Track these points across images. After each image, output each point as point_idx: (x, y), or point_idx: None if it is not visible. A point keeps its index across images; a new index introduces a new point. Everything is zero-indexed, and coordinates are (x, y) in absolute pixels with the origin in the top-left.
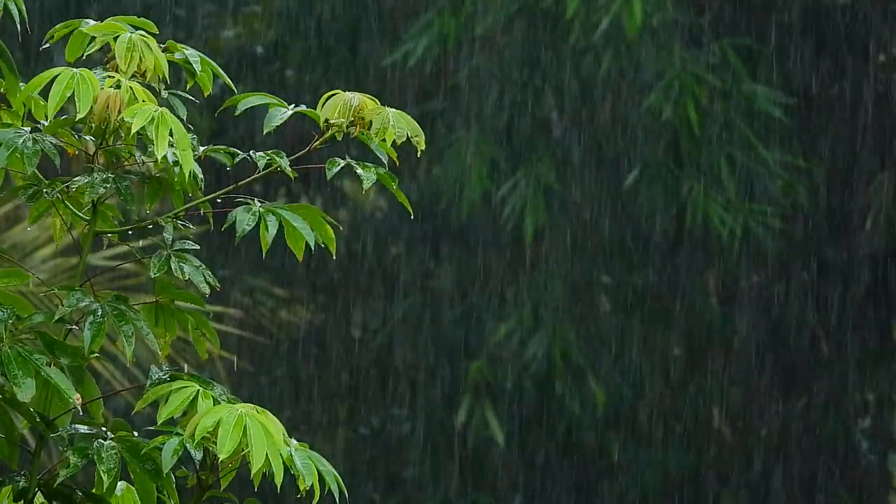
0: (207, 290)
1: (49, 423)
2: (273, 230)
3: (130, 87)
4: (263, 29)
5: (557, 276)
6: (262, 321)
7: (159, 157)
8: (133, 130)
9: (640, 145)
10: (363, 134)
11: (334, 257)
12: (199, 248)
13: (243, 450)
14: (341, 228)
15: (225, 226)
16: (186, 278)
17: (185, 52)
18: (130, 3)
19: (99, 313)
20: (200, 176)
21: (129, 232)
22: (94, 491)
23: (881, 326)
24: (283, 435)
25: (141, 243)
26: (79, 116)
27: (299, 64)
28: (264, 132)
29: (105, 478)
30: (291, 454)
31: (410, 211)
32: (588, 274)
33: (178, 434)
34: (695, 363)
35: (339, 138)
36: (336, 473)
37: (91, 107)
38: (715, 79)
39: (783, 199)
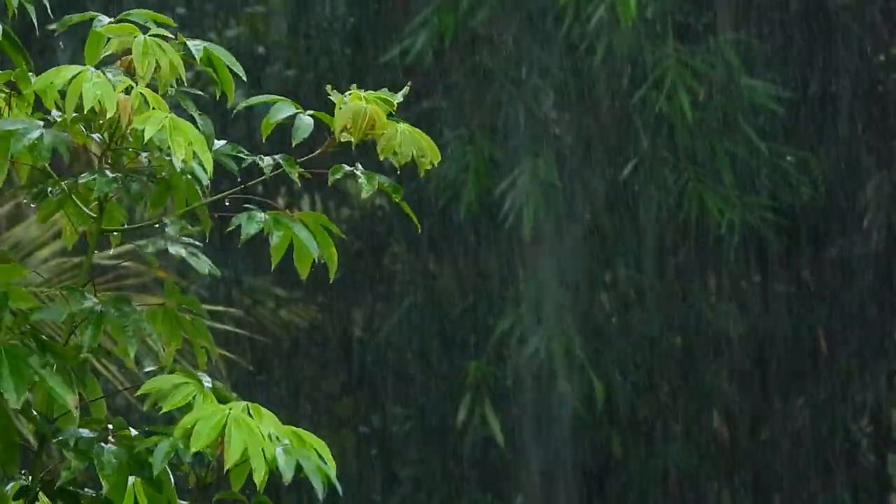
0: (206, 271)
1: (51, 422)
2: (276, 241)
3: (142, 93)
4: (263, 28)
5: (556, 271)
6: (262, 320)
7: (178, 165)
8: (146, 138)
9: (640, 139)
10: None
11: (330, 280)
12: (201, 245)
13: (224, 444)
14: (341, 232)
15: (228, 229)
16: (181, 258)
17: (191, 45)
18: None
19: (98, 311)
20: (206, 183)
21: (137, 231)
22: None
23: (881, 325)
24: (272, 432)
25: (145, 242)
26: (105, 119)
27: (297, 63)
28: (271, 121)
29: (105, 483)
30: (276, 452)
31: (417, 224)
32: (587, 269)
33: (170, 435)
34: (694, 359)
35: (353, 147)
36: (325, 467)
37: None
38: (713, 72)
39: (783, 194)
